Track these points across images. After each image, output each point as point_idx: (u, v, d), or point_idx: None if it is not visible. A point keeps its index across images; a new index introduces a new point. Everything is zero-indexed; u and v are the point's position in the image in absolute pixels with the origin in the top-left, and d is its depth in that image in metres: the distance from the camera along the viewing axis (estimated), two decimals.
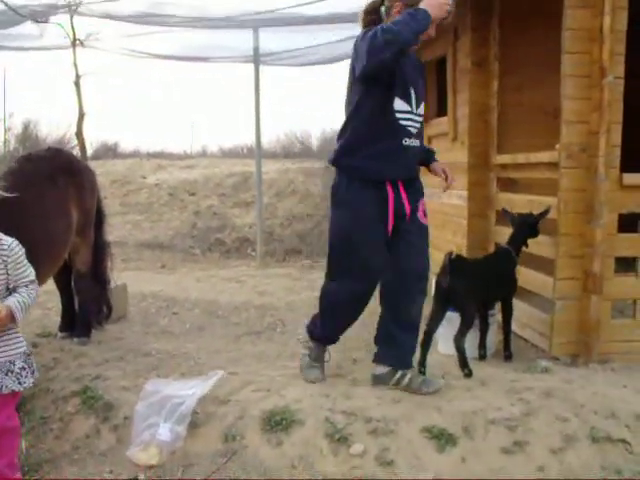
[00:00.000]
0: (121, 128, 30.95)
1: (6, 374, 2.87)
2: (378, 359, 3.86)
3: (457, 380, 3.92)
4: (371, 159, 3.59)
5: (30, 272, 2.95)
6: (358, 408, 3.48)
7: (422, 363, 4.06)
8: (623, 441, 3.32)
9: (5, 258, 2.88)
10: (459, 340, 4.10)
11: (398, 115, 3.57)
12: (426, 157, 3.99)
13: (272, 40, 8.80)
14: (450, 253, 4.24)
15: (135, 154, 17.20)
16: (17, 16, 7.21)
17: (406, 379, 3.72)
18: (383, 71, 3.43)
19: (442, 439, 3.30)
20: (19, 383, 2.90)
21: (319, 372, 3.95)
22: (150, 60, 9.41)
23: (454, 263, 4.15)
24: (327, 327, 3.98)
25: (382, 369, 3.80)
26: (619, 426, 3.40)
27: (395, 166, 3.62)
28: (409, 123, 3.61)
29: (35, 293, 2.95)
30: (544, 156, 4.49)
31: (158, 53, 9.28)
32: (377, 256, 3.69)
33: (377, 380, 3.81)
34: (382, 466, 3.22)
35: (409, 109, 3.60)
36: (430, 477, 3.17)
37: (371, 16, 3.66)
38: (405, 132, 3.61)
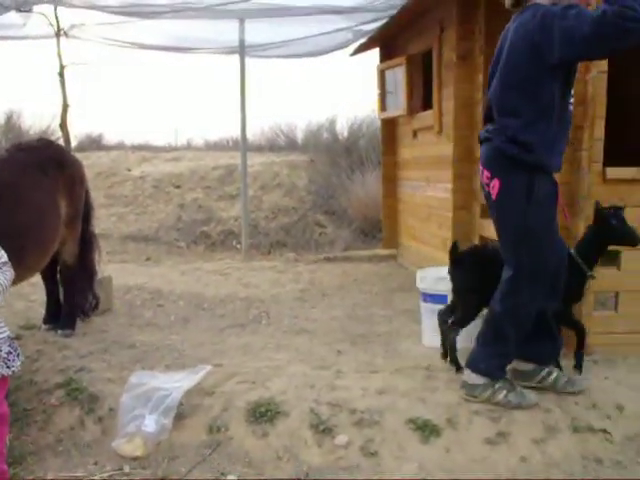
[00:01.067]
0: (105, 120, 30.78)
1: None
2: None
3: (442, 372, 3.94)
4: (558, 153, 3.37)
5: (2, 254, 2.95)
6: (343, 399, 3.50)
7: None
8: (604, 431, 3.37)
9: None
10: (449, 332, 4.00)
11: (570, 101, 3.36)
12: None
13: (258, 31, 8.74)
14: (454, 242, 4.14)
15: (120, 146, 17.08)
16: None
17: (551, 378, 3.65)
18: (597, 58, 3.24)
19: (426, 430, 3.33)
20: (7, 367, 2.91)
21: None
22: (134, 51, 9.34)
23: (455, 254, 4.05)
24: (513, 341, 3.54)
25: (526, 366, 3.69)
26: (600, 417, 3.44)
27: (562, 158, 3.44)
28: (571, 109, 3.41)
29: (10, 275, 2.94)
30: None
31: (142, 43, 9.20)
32: (556, 254, 3.51)
33: (520, 376, 3.68)
34: (366, 457, 3.25)
35: (572, 94, 3.38)
36: (414, 468, 3.21)
37: None
38: (571, 121, 3.43)
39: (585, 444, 3.33)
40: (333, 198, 10.62)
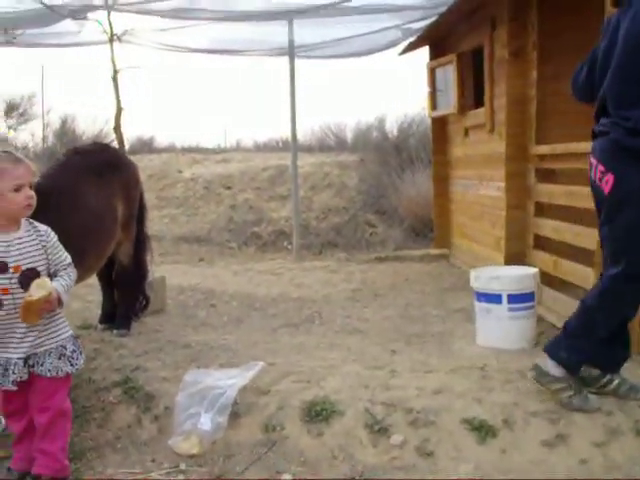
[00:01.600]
0: (156, 123, 31.23)
1: (59, 358, 2.96)
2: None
3: (497, 372, 3.89)
4: None
5: (66, 256, 3.04)
6: (397, 399, 3.48)
7: None
8: None
9: (44, 244, 2.96)
10: None
11: None
12: None
13: (306, 32, 8.78)
14: None
15: (170, 149, 17.30)
16: (56, 14, 7.33)
17: (613, 384, 3.54)
18: None
19: (482, 431, 3.28)
20: (71, 365, 3.00)
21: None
22: (183, 54, 9.46)
23: None
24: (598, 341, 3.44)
25: (591, 371, 3.58)
26: None
27: None
28: None
29: (74, 276, 3.05)
30: (584, 146, 4.42)
31: (192, 47, 9.32)
32: None
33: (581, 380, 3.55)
34: (422, 457, 3.22)
35: None
36: (471, 469, 3.18)
37: None
38: None
39: None
40: (384, 197, 10.59)
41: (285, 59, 9.03)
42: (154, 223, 10.10)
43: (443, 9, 6.73)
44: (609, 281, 3.32)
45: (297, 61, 9.08)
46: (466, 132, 7.21)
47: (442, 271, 7.45)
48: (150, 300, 5.37)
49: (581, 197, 4.50)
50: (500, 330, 4.37)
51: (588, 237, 4.36)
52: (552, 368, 3.43)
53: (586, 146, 4.36)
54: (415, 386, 3.63)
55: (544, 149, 5.23)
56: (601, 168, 3.26)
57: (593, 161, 3.35)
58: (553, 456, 3.21)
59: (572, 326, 3.46)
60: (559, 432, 3.27)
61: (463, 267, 7.14)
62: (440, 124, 8.27)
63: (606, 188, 3.23)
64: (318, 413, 3.41)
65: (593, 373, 3.57)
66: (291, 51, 8.88)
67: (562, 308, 4.75)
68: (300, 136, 14.27)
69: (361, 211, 10.64)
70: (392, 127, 13.59)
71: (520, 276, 4.43)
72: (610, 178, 3.20)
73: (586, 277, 4.36)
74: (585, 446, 3.23)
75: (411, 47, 8.56)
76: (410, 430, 3.31)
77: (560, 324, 4.66)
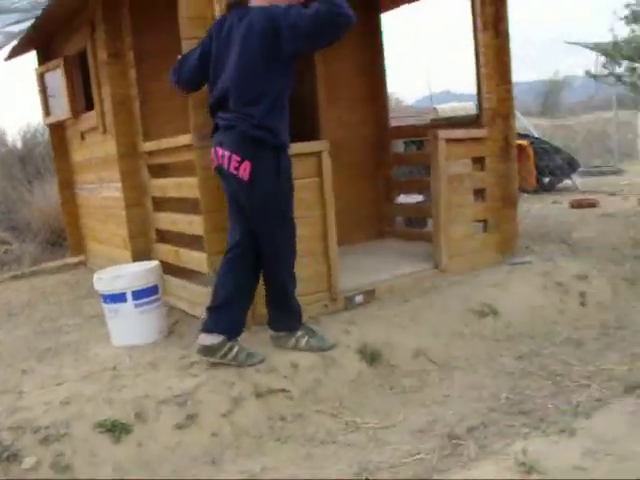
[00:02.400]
0: None
1: None
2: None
3: (128, 370, 3.97)
4: (288, 133, 3.81)
5: None
6: (25, 420, 3.38)
7: None
8: (283, 390, 3.65)
9: None
10: None
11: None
12: None
13: None
14: None
15: None
16: None
17: (234, 351, 3.84)
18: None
19: (116, 430, 3.34)
20: None
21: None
22: None
23: None
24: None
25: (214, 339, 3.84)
26: (278, 378, 3.72)
27: None
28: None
29: None
30: (181, 139, 4.66)
31: None
32: None
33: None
34: (60, 473, 3.18)
35: None
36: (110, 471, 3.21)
37: None
38: None
39: (269, 406, 3.59)
40: (14, 212, 10.05)
41: None
42: None
43: (38, 12, 6.52)
44: (282, 252, 3.97)
45: None
46: (82, 136, 7.12)
47: (79, 279, 7.29)
48: None
49: (189, 187, 4.73)
50: (130, 327, 4.44)
51: (200, 224, 4.60)
52: (280, 333, 4.09)
53: (183, 139, 4.62)
54: (43, 402, 3.56)
55: (150, 145, 5.38)
56: (237, 158, 3.68)
57: (226, 152, 3.73)
58: (186, 437, 3.41)
59: (280, 300, 4.08)
60: (188, 413, 3.48)
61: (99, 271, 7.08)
62: (58, 130, 8.04)
63: (245, 175, 3.67)
64: None
65: (215, 342, 3.82)
66: None
67: (190, 295, 4.98)
68: None
69: None
70: (16, 139, 12.89)
71: (141, 271, 4.52)
72: (247, 165, 3.65)
73: (201, 262, 4.61)
74: (214, 420, 3.48)
75: (17, 52, 8.17)
76: (42, 449, 3.24)
77: (192, 311, 4.93)
